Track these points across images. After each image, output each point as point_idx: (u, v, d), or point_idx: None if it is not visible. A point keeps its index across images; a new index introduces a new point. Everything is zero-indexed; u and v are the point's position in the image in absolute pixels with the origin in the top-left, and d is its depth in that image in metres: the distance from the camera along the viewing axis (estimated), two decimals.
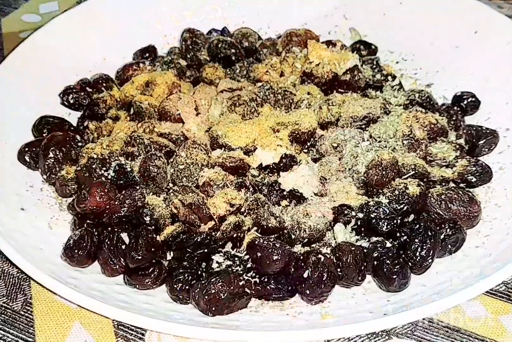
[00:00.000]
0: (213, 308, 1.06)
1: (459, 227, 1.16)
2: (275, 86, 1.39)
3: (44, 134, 1.35)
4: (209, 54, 1.53)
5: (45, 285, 1.07)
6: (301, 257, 1.11)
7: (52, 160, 1.28)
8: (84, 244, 1.14)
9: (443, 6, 1.58)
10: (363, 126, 1.32)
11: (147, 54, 1.58)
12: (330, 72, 1.41)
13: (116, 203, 1.18)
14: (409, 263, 1.11)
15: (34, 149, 1.30)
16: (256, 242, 1.11)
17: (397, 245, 1.14)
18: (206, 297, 1.05)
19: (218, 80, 1.46)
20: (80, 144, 1.31)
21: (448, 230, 1.15)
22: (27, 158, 1.30)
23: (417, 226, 1.14)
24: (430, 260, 1.12)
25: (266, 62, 1.48)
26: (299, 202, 1.20)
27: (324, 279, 1.07)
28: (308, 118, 1.32)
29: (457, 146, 1.31)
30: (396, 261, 1.10)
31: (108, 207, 1.18)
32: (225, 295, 1.06)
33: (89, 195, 1.17)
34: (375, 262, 1.12)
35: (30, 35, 1.54)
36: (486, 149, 1.34)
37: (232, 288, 1.06)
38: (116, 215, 1.17)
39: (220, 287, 1.06)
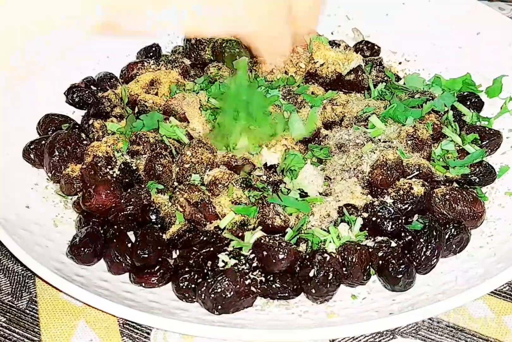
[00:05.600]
0: (219, 307, 1.06)
1: (464, 227, 1.16)
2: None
3: (49, 133, 1.35)
4: (213, 53, 1.53)
5: (51, 283, 1.06)
6: (307, 256, 1.11)
7: (57, 158, 1.27)
8: (90, 242, 1.14)
9: (446, 7, 1.58)
10: (367, 126, 1.32)
11: (151, 53, 1.57)
12: (334, 72, 1.42)
13: (122, 201, 1.18)
14: (414, 263, 1.12)
15: (39, 147, 1.30)
16: (262, 241, 1.11)
17: (402, 245, 1.14)
18: (212, 295, 1.05)
19: (222, 79, 1.45)
20: (85, 142, 1.31)
21: (452, 230, 1.15)
22: (32, 156, 1.30)
23: (422, 225, 1.14)
24: (435, 260, 1.12)
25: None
26: None
27: (329, 278, 1.08)
28: None
29: (461, 146, 1.32)
30: (401, 261, 1.10)
31: (114, 205, 1.18)
32: (231, 293, 1.06)
33: (95, 193, 1.17)
34: (380, 262, 1.12)
35: None
36: (489, 150, 1.34)
37: (238, 286, 1.07)
38: (122, 213, 1.17)
39: (226, 286, 1.06)
